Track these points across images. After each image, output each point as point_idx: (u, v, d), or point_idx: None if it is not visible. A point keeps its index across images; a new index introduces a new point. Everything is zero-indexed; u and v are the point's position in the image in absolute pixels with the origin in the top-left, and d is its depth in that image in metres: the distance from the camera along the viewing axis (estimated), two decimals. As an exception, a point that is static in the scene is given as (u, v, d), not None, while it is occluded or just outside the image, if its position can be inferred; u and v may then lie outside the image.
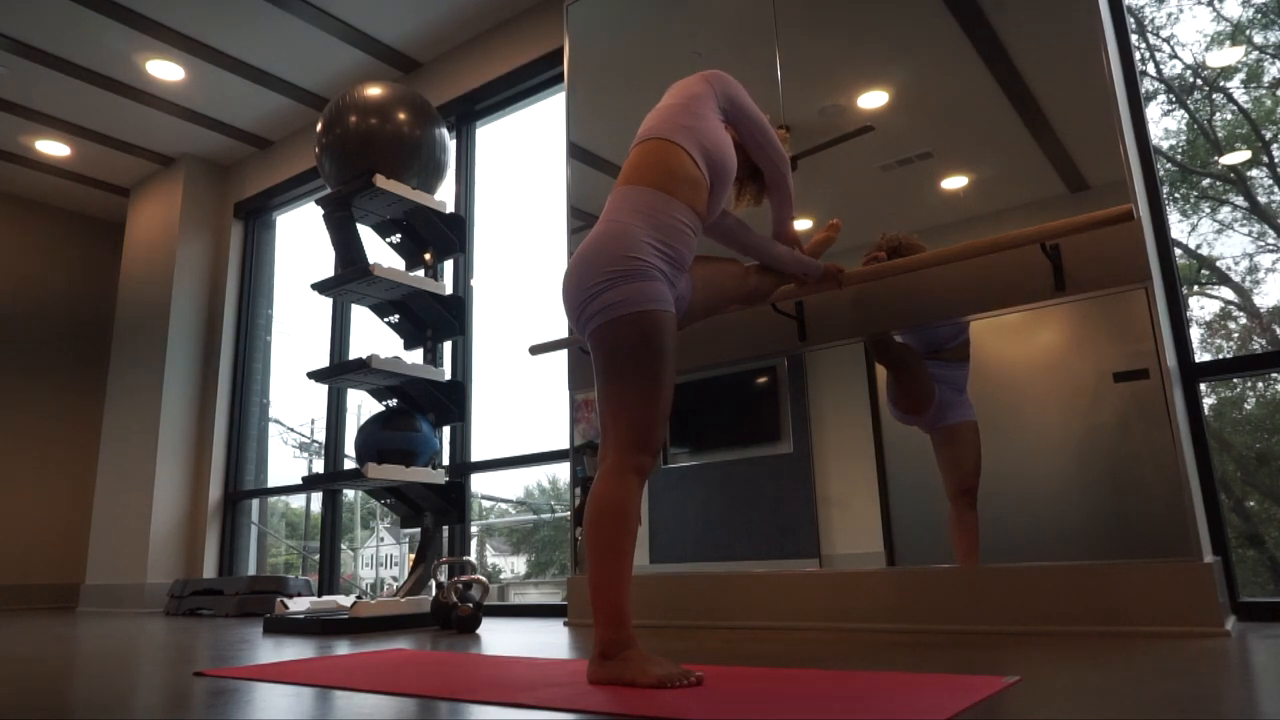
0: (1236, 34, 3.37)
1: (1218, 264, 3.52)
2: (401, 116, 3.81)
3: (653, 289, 1.68)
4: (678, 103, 1.89)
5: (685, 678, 1.51)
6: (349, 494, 6.26)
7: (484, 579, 3.26)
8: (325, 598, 3.90)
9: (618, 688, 1.52)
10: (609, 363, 1.69)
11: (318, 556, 5.11)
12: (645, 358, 1.66)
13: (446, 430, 4.48)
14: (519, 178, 5.05)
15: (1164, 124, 3.61)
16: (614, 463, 1.65)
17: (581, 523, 1.64)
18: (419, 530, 3.80)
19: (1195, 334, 3.43)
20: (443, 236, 3.96)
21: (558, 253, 3.69)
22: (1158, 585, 2.12)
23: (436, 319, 3.90)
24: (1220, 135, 3.56)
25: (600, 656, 1.57)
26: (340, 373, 3.66)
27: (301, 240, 6.27)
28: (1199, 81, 3.55)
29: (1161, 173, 2.86)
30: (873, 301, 2.74)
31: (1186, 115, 3.61)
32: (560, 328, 3.56)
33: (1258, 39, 3.40)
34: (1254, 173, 3.51)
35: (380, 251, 4.09)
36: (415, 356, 3.90)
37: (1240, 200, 3.47)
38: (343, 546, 5.34)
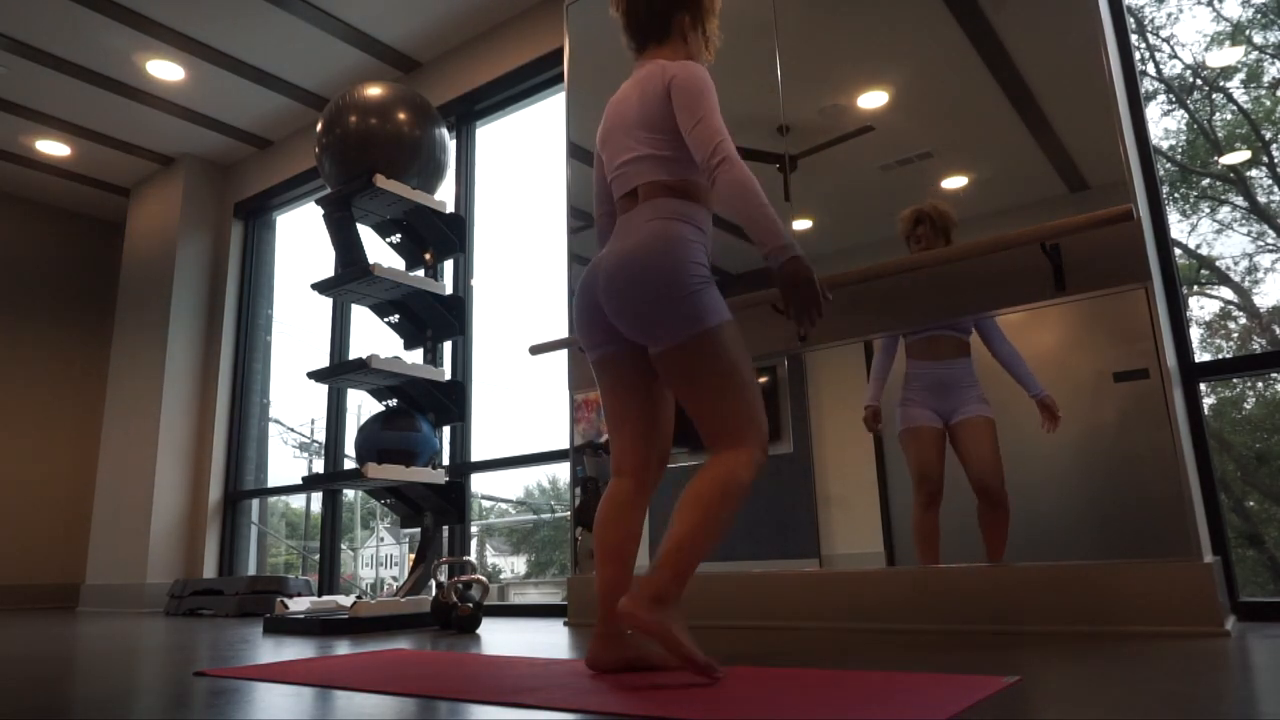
0: (1236, 34, 3.37)
1: (1217, 264, 3.52)
2: (401, 116, 3.81)
3: (720, 298, 1.74)
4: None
5: (711, 670, 1.54)
6: (349, 494, 6.27)
7: (484, 579, 3.26)
8: (325, 598, 3.90)
9: (618, 688, 1.52)
10: (711, 374, 1.67)
11: (318, 556, 5.11)
12: (741, 361, 1.70)
13: (446, 430, 4.48)
14: (519, 178, 5.06)
15: (1164, 124, 3.61)
16: (725, 447, 1.69)
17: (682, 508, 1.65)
18: (419, 530, 3.80)
19: (1195, 334, 3.44)
20: (443, 236, 3.96)
21: (558, 253, 3.69)
22: (1158, 585, 2.12)
23: (436, 319, 3.90)
24: (1220, 135, 3.56)
25: (653, 599, 1.54)
26: (340, 373, 3.66)
27: (301, 240, 6.28)
28: (1199, 81, 3.55)
29: (1161, 173, 2.86)
30: (873, 301, 2.74)
31: (1186, 115, 3.61)
32: (560, 328, 3.57)
33: (1258, 39, 3.40)
34: (1254, 173, 3.51)
35: (380, 251, 4.09)
36: (415, 356, 3.90)
37: (1240, 200, 3.47)
38: (343, 546, 5.34)
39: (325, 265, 5.57)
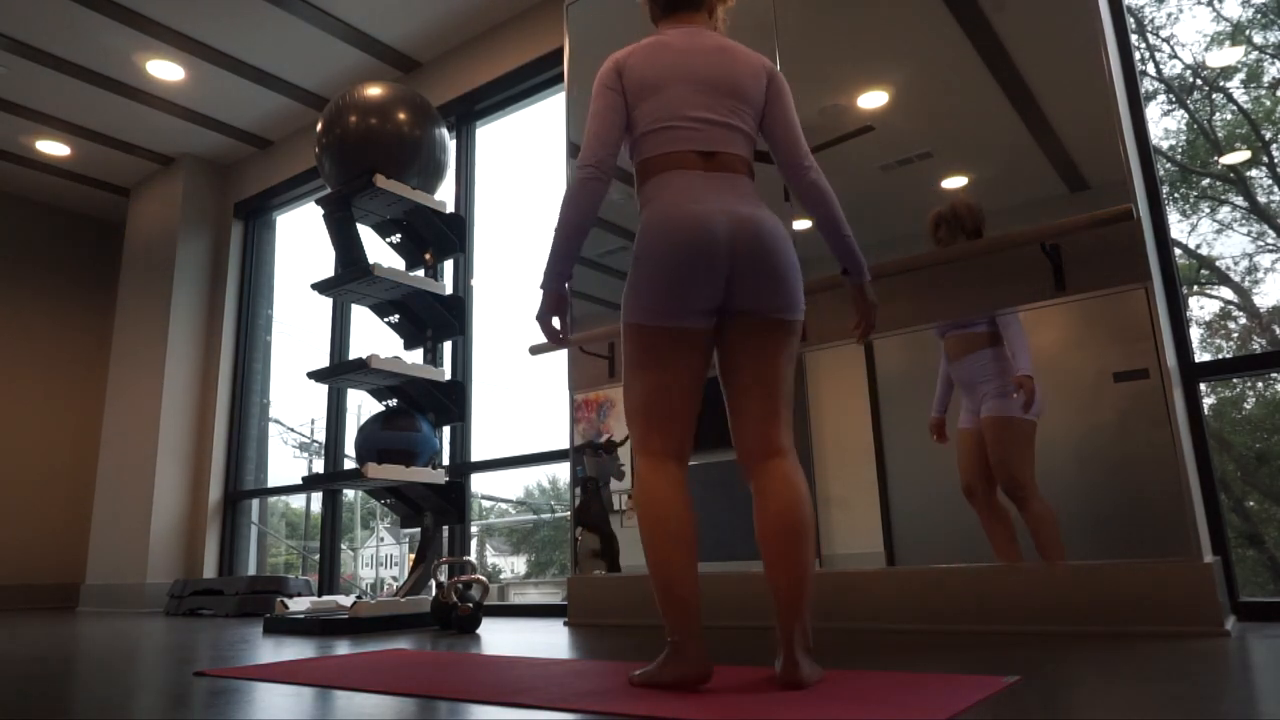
0: (1236, 34, 3.37)
1: (1217, 264, 3.52)
2: (401, 116, 3.81)
3: None
4: None
5: None
6: (349, 494, 6.27)
7: (484, 579, 3.26)
8: (325, 598, 3.90)
9: (618, 689, 1.52)
10: (785, 357, 1.69)
11: (318, 556, 5.11)
12: None
13: (446, 430, 4.48)
14: (519, 178, 5.06)
15: (1164, 124, 3.61)
16: (789, 448, 1.66)
17: (783, 521, 1.58)
18: (419, 530, 3.80)
19: (1195, 334, 3.43)
20: (443, 236, 3.96)
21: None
22: (1158, 585, 2.12)
23: (436, 319, 3.90)
24: (1220, 135, 3.56)
25: (807, 652, 1.52)
26: (340, 373, 3.66)
27: (301, 240, 6.28)
28: (1199, 81, 3.55)
29: (1161, 173, 2.86)
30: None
31: (1186, 115, 3.61)
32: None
33: (1258, 39, 3.40)
34: (1254, 173, 3.51)
35: (380, 251, 4.10)
36: (415, 356, 3.90)
37: (1240, 200, 3.47)
38: (343, 546, 5.34)
39: (325, 265, 5.57)
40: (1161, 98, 3.57)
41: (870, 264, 2.64)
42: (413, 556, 3.82)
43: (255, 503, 5.89)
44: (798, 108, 3.04)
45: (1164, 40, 3.52)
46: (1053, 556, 2.33)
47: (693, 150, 1.71)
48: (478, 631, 3.12)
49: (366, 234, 3.96)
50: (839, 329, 2.82)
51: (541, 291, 1.76)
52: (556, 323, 1.78)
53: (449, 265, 4.59)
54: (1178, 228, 3.50)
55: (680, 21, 1.87)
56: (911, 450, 2.67)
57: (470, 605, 3.12)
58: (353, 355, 5.14)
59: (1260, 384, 3.54)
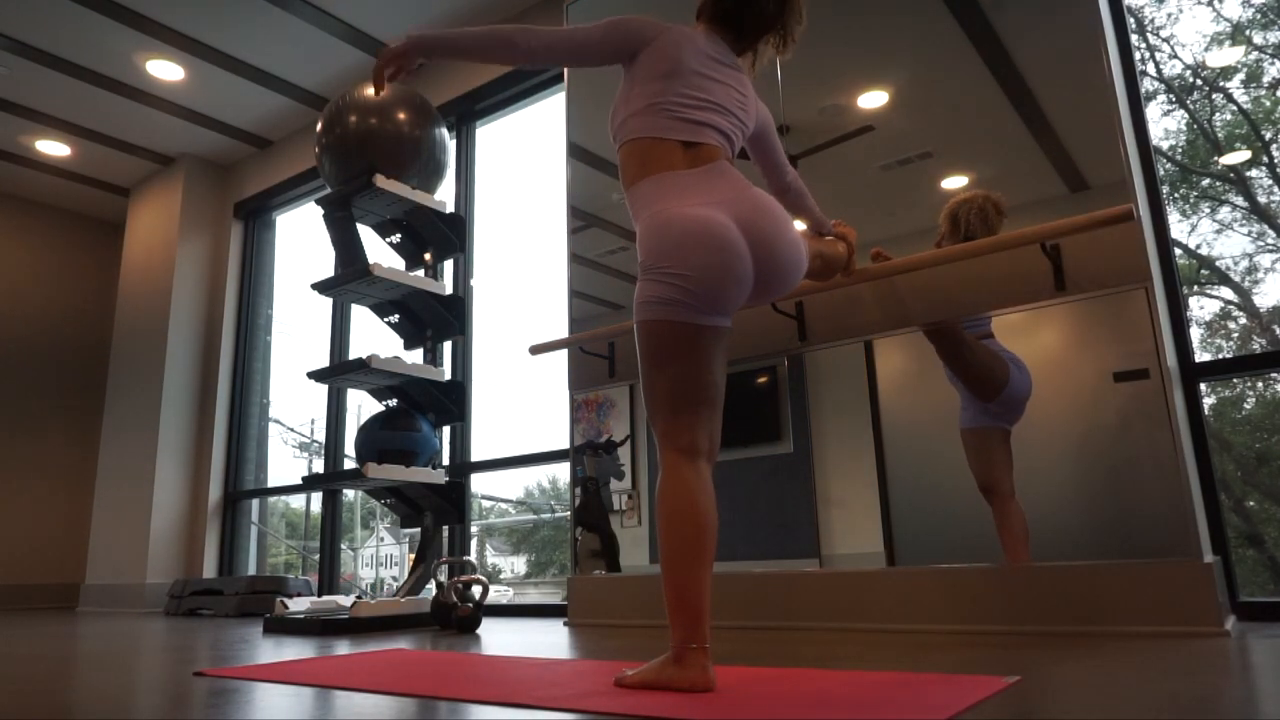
0: (1236, 34, 3.37)
1: (1218, 264, 3.52)
2: (401, 116, 3.81)
3: None
4: None
5: None
6: (349, 494, 6.27)
7: (484, 579, 3.26)
8: (325, 598, 3.90)
9: (618, 689, 1.52)
10: None
11: (318, 556, 5.11)
12: None
13: (446, 430, 4.48)
14: (519, 178, 5.06)
15: (1164, 124, 3.61)
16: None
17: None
18: (419, 530, 3.80)
19: (1195, 334, 3.43)
20: (443, 236, 3.96)
21: (558, 253, 3.69)
22: (1158, 585, 2.12)
23: (436, 319, 3.90)
24: (1220, 135, 3.56)
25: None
26: (340, 373, 3.66)
27: (301, 240, 6.28)
28: (1199, 81, 3.55)
29: (1161, 173, 2.86)
30: (872, 301, 2.74)
31: (1186, 115, 3.61)
32: (560, 328, 3.57)
33: (1257, 39, 3.40)
34: (1254, 173, 3.51)
35: (380, 251, 4.09)
36: (415, 356, 3.90)
37: (1240, 200, 3.47)
38: (343, 546, 5.34)
39: (325, 265, 5.57)
40: (1161, 98, 3.57)
41: (870, 265, 2.65)
42: (413, 556, 3.82)
43: (255, 503, 5.89)
44: (798, 107, 3.05)
45: (1164, 40, 3.52)
46: (1018, 560, 2.37)
47: (698, 143, 1.73)
48: (478, 631, 3.12)
49: (366, 234, 3.96)
50: (839, 329, 2.82)
51: (408, 39, 1.75)
52: (393, 70, 1.78)
53: (449, 265, 4.59)
54: (1178, 228, 3.50)
55: (727, 48, 1.89)
56: (911, 450, 2.67)
57: (470, 605, 3.12)
58: (353, 355, 5.14)
59: (1260, 384, 3.54)
